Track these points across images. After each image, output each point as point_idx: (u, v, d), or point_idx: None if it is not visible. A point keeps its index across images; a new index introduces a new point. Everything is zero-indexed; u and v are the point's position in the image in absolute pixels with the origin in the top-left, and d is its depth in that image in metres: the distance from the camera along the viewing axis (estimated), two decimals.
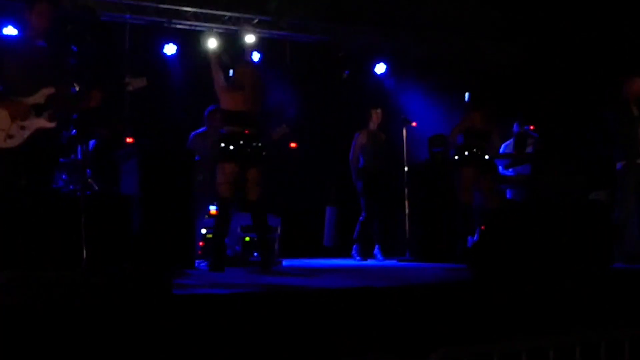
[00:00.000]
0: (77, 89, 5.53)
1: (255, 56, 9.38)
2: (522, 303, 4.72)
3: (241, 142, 6.42)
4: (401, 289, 4.56)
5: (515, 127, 8.70)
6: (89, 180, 6.93)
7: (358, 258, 8.48)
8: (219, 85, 6.59)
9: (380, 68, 10.37)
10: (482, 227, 6.15)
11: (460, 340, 4.10)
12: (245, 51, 7.26)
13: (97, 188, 6.98)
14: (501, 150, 8.67)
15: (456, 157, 7.43)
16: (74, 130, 6.49)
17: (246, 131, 6.45)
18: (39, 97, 5.21)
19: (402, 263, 8.12)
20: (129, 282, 3.69)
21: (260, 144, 6.53)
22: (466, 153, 7.38)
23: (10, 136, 5.11)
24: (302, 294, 4.42)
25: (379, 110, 8.72)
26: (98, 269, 3.62)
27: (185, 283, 5.05)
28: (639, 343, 3.65)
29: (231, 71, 6.65)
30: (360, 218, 8.62)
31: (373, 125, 8.72)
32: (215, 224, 6.62)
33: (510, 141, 8.74)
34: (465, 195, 7.35)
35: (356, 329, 4.05)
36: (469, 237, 7.23)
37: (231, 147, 6.41)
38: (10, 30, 7.38)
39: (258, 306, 4.02)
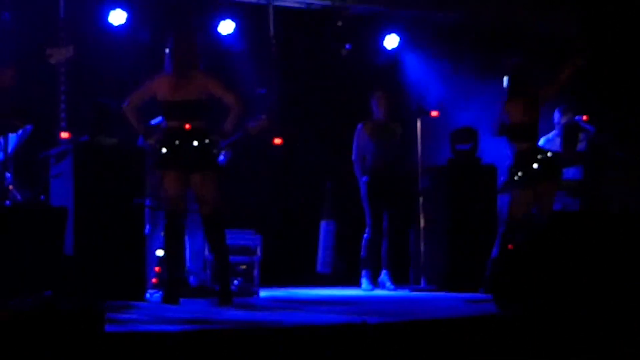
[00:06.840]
0: None
1: (228, 26, 9.48)
2: (559, 343, 4.80)
3: (177, 141, 6.46)
4: (400, 326, 4.63)
5: (557, 116, 8.65)
6: (10, 187, 7.02)
7: (370, 287, 8.48)
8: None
9: (391, 41, 10.41)
10: (510, 247, 6.20)
11: None
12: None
13: (19, 197, 7.07)
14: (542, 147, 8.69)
15: (508, 181, 7.42)
16: None
17: (186, 126, 6.51)
18: None
19: (416, 293, 8.20)
20: (45, 316, 3.76)
21: (207, 142, 6.50)
22: (520, 174, 7.32)
23: None
24: (271, 332, 4.49)
25: (381, 94, 8.71)
26: (5, 301, 3.71)
27: (127, 318, 5.15)
28: None
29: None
30: (365, 235, 8.64)
31: (382, 114, 8.68)
32: (164, 244, 6.72)
33: (553, 135, 8.69)
34: (521, 213, 7.34)
35: None
36: None
37: (164, 150, 6.46)
38: None
39: (213, 347, 4.10)
